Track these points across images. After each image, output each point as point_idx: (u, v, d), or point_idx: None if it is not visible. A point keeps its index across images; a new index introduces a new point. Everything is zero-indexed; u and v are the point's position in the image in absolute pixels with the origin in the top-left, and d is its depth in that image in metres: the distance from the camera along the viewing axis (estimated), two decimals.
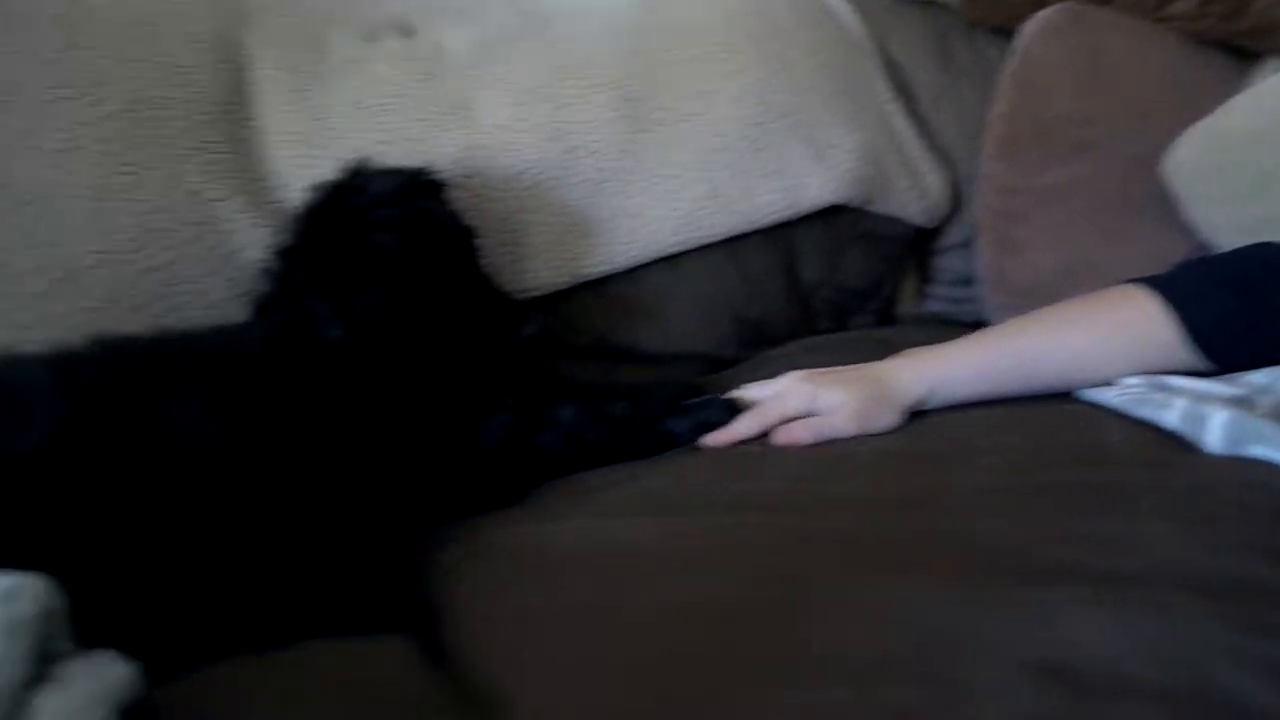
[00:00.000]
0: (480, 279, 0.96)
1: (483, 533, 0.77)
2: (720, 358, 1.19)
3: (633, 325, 1.15)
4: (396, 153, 1.01)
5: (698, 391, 0.97)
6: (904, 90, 1.41)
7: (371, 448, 0.80)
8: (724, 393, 0.93)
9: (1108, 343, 0.87)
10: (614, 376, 1.13)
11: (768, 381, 0.91)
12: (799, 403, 0.87)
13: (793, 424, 0.86)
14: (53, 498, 0.62)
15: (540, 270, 1.09)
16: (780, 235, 1.23)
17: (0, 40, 0.94)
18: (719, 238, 1.17)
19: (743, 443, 0.87)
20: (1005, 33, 1.40)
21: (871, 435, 0.86)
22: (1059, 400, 0.88)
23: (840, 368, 0.90)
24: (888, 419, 0.87)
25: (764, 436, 0.87)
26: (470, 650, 0.61)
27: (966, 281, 1.41)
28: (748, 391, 0.92)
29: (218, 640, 0.60)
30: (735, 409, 0.90)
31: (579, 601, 0.62)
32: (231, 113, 1.04)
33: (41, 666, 0.50)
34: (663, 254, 1.14)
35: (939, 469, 0.76)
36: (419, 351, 0.88)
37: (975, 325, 1.36)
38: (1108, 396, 0.84)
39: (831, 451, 0.83)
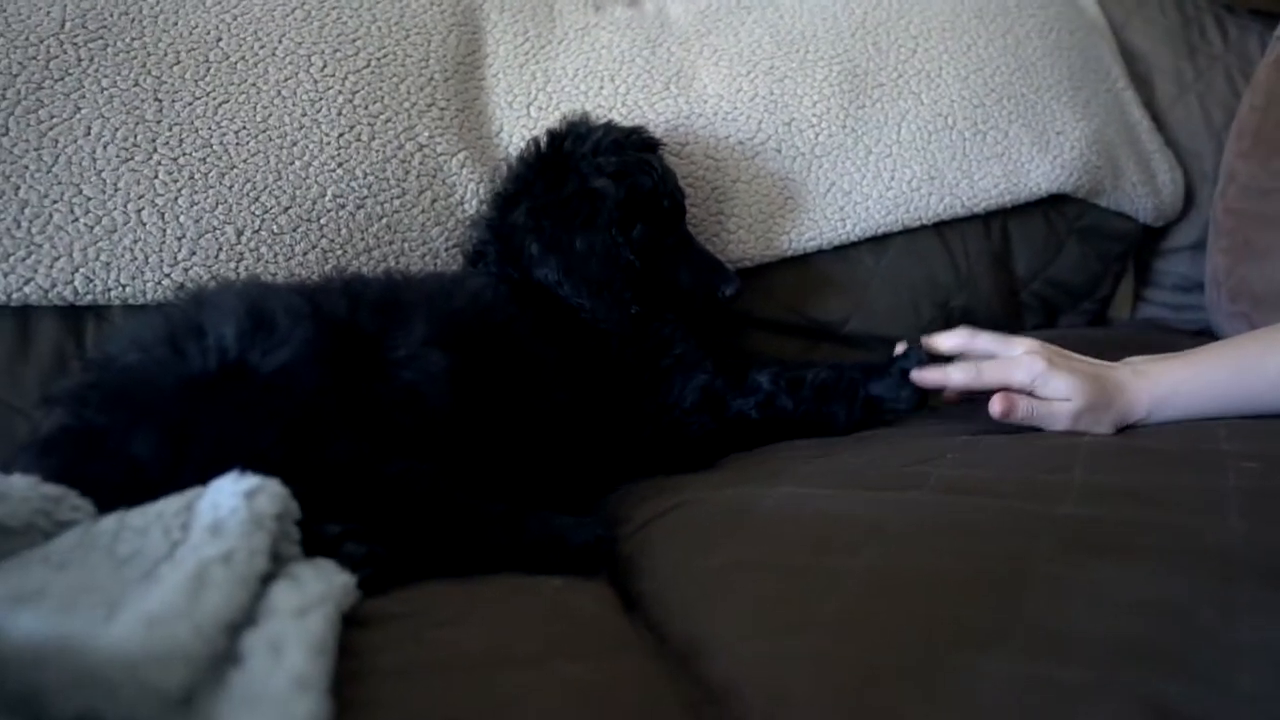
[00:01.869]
0: (686, 238, 0.97)
1: (680, 492, 0.76)
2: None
3: (835, 303, 1.12)
4: (620, 120, 1.03)
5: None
6: (1143, 79, 1.32)
7: (575, 392, 0.81)
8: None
9: None
10: (813, 354, 1.11)
11: (1004, 337, 0.85)
12: (1025, 378, 0.81)
13: (1014, 396, 0.80)
14: (292, 412, 0.66)
15: (750, 241, 1.09)
16: (995, 222, 1.18)
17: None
18: (932, 221, 1.13)
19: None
20: (1269, 17, 1.29)
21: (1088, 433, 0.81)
22: None
23: (1076, 356, 0.84)
24: (1101, 429, 0.81)
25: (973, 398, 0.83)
26: (666, 600, 0.61)
27: (1190, 288, 1.31)
28: (979, 338, 0.86)
29: (430, 563, 0.63)
30: (923, 355, 0.87)
31: (787, 561, 0.60)
32: (464, 74, 1.09)
33: (274, 564, 0.54)
34: (873, 233, 1.12)
35: (1177, 468, 0.70)
36: (624, 301, 0.89)
37: (1197, 334, 1.27)
38: None
39: (1044, 442, 0.79)
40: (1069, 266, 1.22)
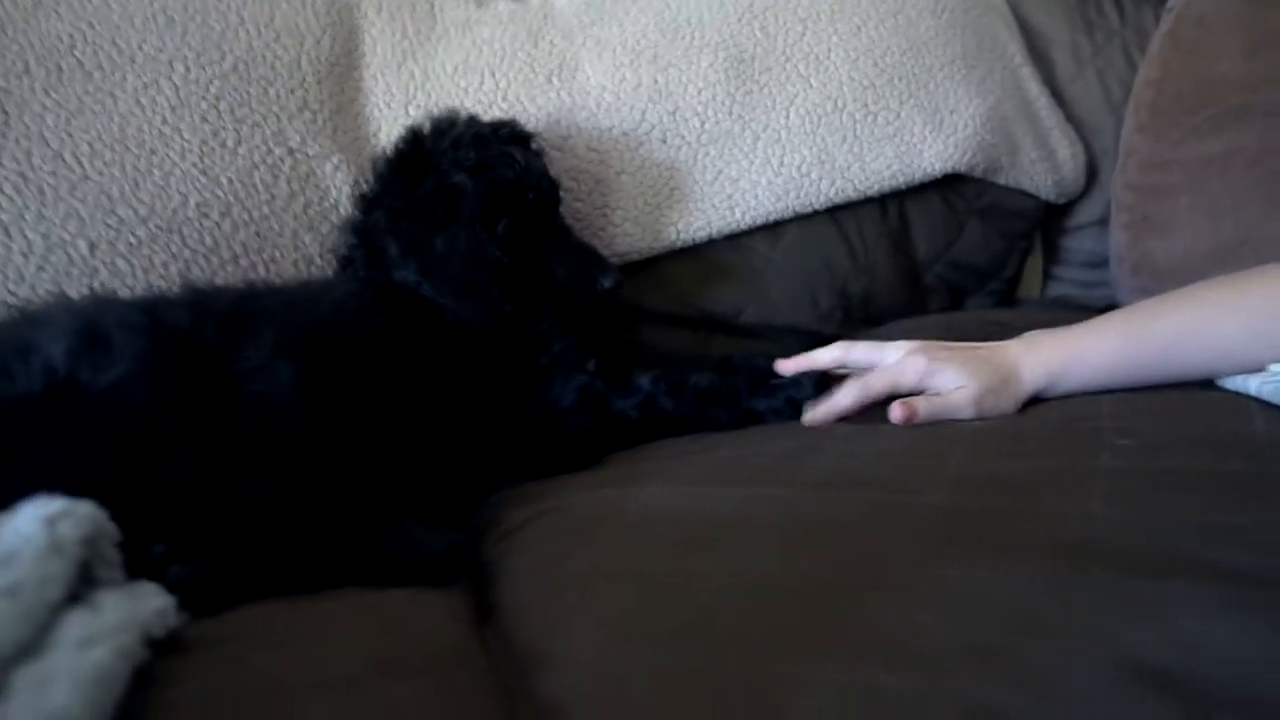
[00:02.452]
0: (561, 231, 0.94)
1: (552, 496, 0.74)
2: (822, 334, 1.12)
3: (730, 295, 1.10)
4: (498, 114, 1.01)
5: None
6: (1042, 55, 1.32)
7: (443, 399, 0.79)
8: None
9: (1258, 325, 0.77)
10: (709, 348, 1.09)
11: (878, 345, 0.84)
12: (912, 379, 0.79)
13: (912, 400, 0.78)
14: (125, 430, 0.63)
15: (637, 234, 1.07)
16: (892, 205, 1.17)
17: (121, 3, 0.98)
18: (825, 206, 1.12)
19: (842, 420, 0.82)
20: None
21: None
22: (1196, 387, 0.79)
23: (958, 345, 0.82)
24: (1005, 407, 0.79)
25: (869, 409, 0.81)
26: (517, 610, 0.59)
27: (1098, 264, 1.31)
28: (854, 350, 0.85)
29: (266, 581, 0.60)
30: (827, 385, 0.84)
31: (641, 567, 0.58)
32: (339, 75, 1.06)
33: (83, 589, 0.51)
34: (764, 221, 1.10)
35: (1051, 451, 0.69)
36: (493, 300, 0.86)
37: (1105, 310, 1.26)
38: (1252, 384, 0.75)
39: (928, 430, 0.77)
40: (971, 247, 1.21)
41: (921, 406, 0.77)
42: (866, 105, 1.13)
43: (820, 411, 0.83)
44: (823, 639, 0.46)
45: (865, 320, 1.14)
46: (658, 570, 0.57)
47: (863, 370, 0.84)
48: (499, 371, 0.83)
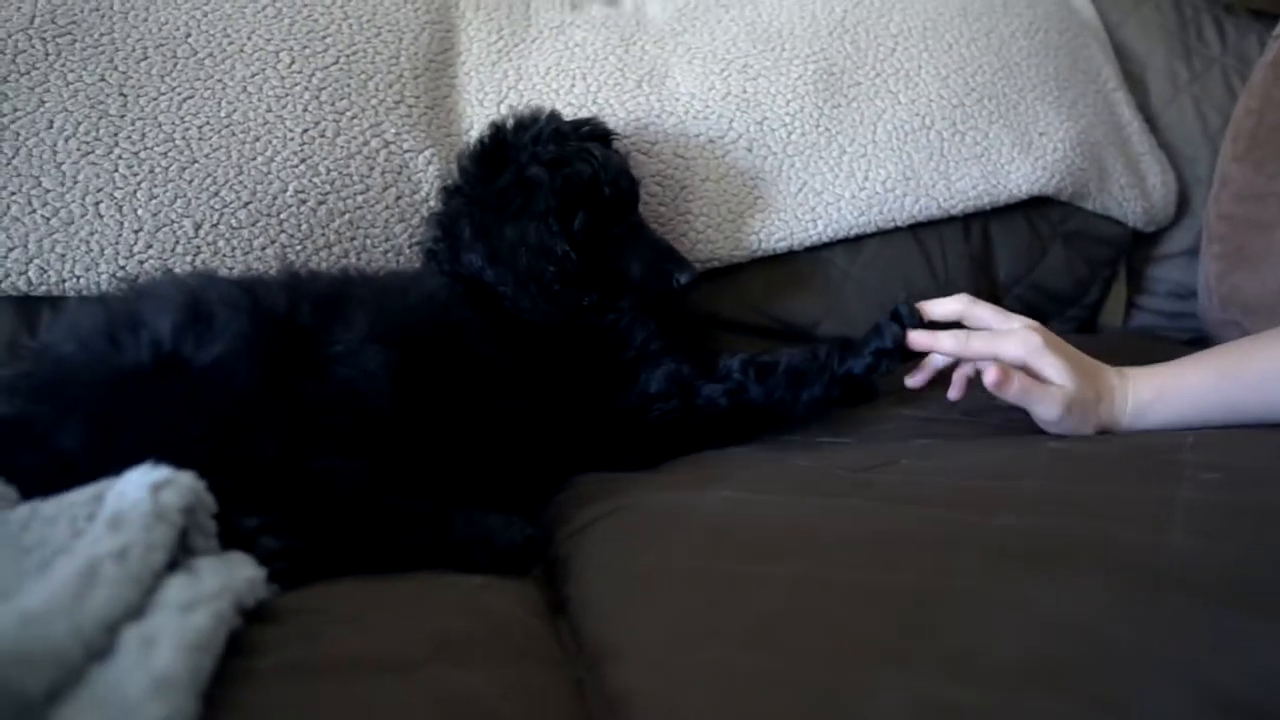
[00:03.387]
0: (637, 227, 0.95)
1: (621, 495, 0.75)
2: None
3: (807, 306, 1.10)
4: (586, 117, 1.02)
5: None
6: (1137, 80, 1.29)
7: (525, 393, 0.80)
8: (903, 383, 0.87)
9: None
10: None
11: (999, 310, 0.83)
12: (1018, 352, 0.78)
13: (1011, 370, 0.76)
14: (221, 407, 0.66)
15: (719, 240, 1.07)
16: (975, 225, 1.16)
17: None
18: (907, 222, 1.11)
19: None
20: (1268, 18, 1.25)
21: (1055, 435, 0.79)
22: None
23: (1074, 349, 0.81)
24: (1086, 426, 0.79)
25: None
26: (588, 604, 0.60)
27: (1184, 295, 1.28)
28: (976, 306, 0.83)
29: (347, 559, 0.62)
30: (908, 356, 0.83)
31: (711, 568, 0.59)
32: (435, 71, 1.08)
33: (182, 556, 0.53)
34: (846, 235, 1.10)
35: (1131, 479, 0.68)
36: (554, 295, 0.87)
37: (1189, 343, 1.23)
38: None
39: (1005, 449, 0.76)
40: (1054, 271, 1.20)
41: (1016, 382, 0.76)
42: (955, 124, 1.12)
43: (920, 336, 0.82)
44: (892, 650, 0.47)
45: None
46: (726, 573, 0.58)
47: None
48: (582, 366, 0.84)
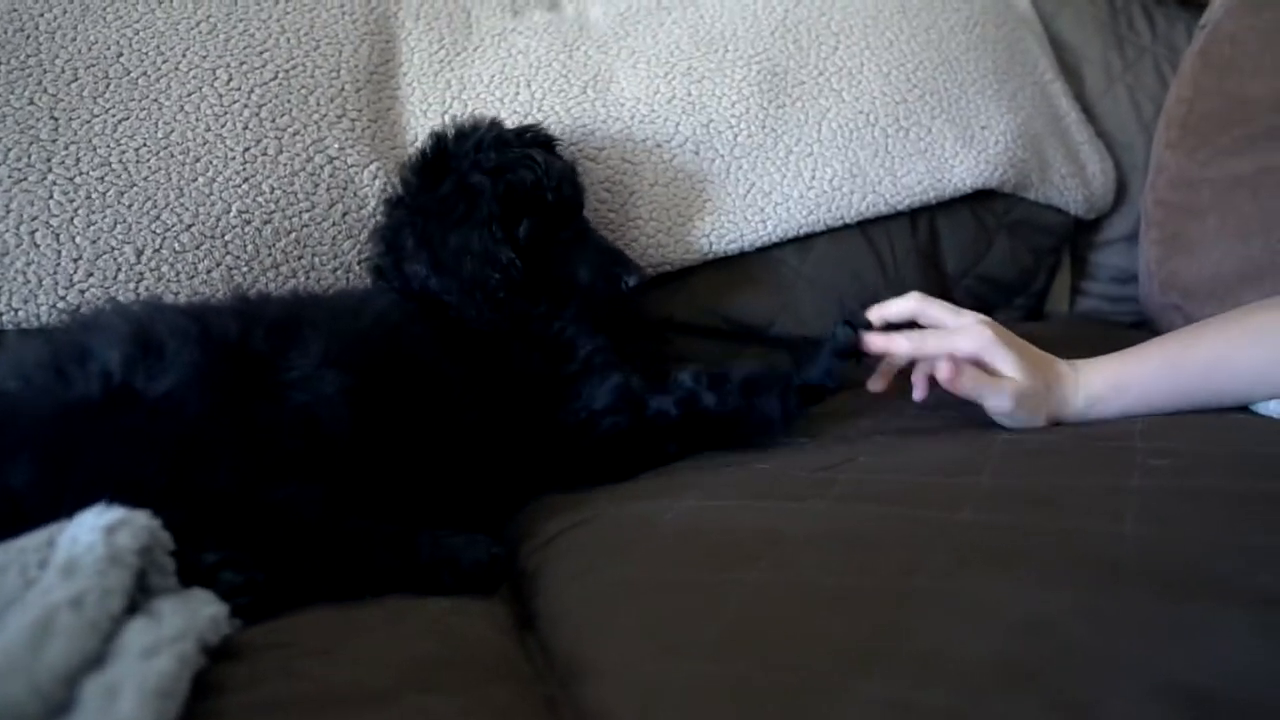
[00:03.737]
0: (583, 231, 0.95)
1: (586, 507, 0.75)
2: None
3: (760, 306, 1.11)
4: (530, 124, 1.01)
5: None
6: (1073, 71, 1.32)
7: (482, 409, 0.80)
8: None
9: None
10: (739, 357, 1.09)
11: (950, 306, 0.85)
12: (971, 347, 0.80)
13: (963, 365, 0.78)
14: (176, 438, 0.64)
15: (669, 244, 1.07)
16: (922, 220, 1.17)
17: (166, 11, 1.00)
18: (855, 219, 1.12)
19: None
20: (1195, 7, 1.28)
21: (1007, 428, 0.80)
22: (1231, 411, 0.80)
23: (1024, 342, 0.83)
24: (1036, 418, 0.80)
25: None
26: (557, 619, 0.60)
27: (1126, 279, 1.31)
28: (928, 305, 0.84)
29: (311, 589, 0.61)
30: (859, 356, 0.85)
31: (680, 578, 0.59)
32: (377, 84, 1.07)
33: (140, 598, 0.52)
34: (795, 234, 1.10)
35: (1083, 469, 0.69)
36: (499, 302, 0.86)
37: (1133, 326, 1.27)
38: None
39: (960, 443, 0.78)
40: (1000, 262, 1.22)
41: (969, 376, 0.78)
42: (898, 120, 1.14)
43: (875, 338, 0.84)
44: (860, 654, 0.47)
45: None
46: (695, 582, 0.58)
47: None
48: (532, 378, 0.84)
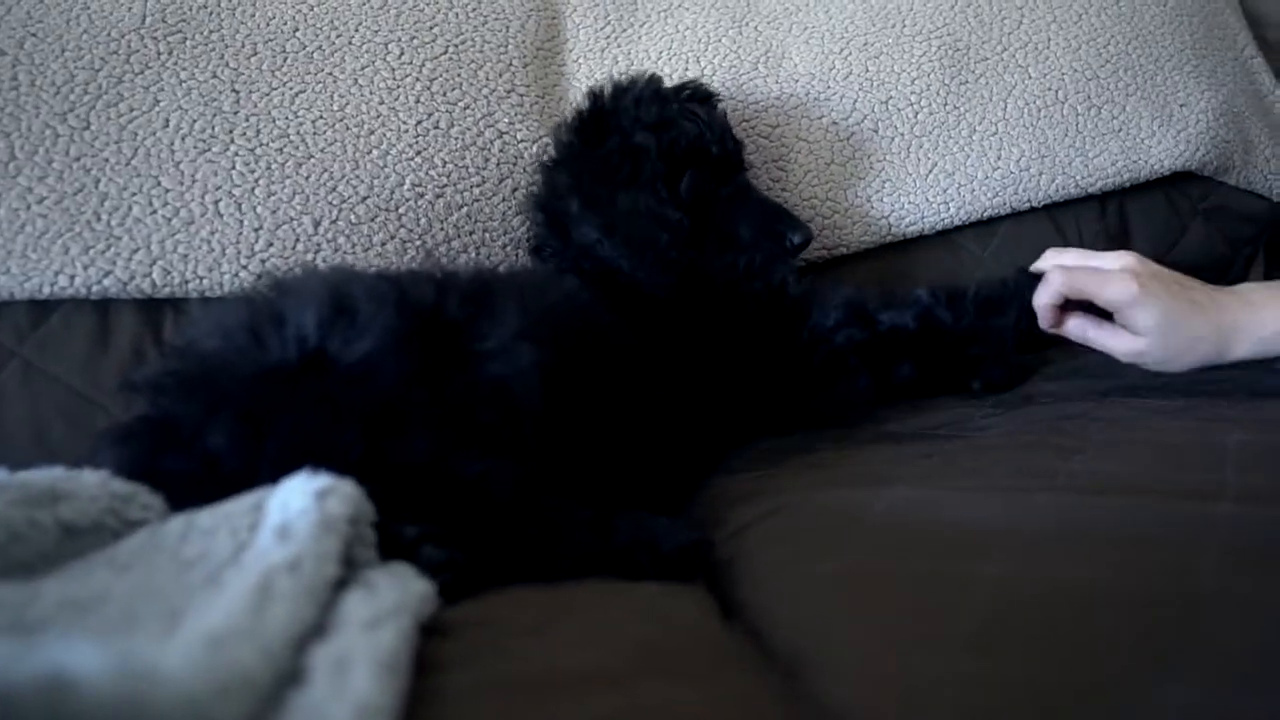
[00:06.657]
0: (745, 188, 0.91)
1: (781, 495, 0.71)
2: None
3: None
4: None
5: None
6: (1272, 45, 1.22)
7: (672, 381, 0.76)
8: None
9: None
10: None
11: (1091, 253, 0.81)
12: (1115, 295, 0.75)
13: (1085, 323, 0.77)
14: (372, 407, 0.63)
15: (846, 226, 1.03)
16: (1112, 204, 1.10)
17: None
18: (1042, 202, 1.06)
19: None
20: None
21: (1238, 426, 0.73)
22: None
23: (1181, 280, 0.78)
24: (1176, 367, 0.75)
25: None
26: (769, 609, 0.56)
27: None
28: (1064, 254, 0.82)
29: (514, 568, 0.59)
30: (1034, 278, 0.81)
31: (908, 569, 0.55)
32: (544, 59, 1.05)
33: (346, 570, 0.50)
34: (979, 218, 1.04)
35: None
36: (670, 262, 0.82)
37: None
38: None
39: (1183, 439, 0.71)
40: (1193, 250, 1.13)
41: (1076, 325, 0.78)
42: (1089, 98, 1.07)
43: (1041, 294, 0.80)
44: (1155, 655, 0.42)
45: None
46: (928, 575, 0.53)
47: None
48: (722, 331, 0.80)
